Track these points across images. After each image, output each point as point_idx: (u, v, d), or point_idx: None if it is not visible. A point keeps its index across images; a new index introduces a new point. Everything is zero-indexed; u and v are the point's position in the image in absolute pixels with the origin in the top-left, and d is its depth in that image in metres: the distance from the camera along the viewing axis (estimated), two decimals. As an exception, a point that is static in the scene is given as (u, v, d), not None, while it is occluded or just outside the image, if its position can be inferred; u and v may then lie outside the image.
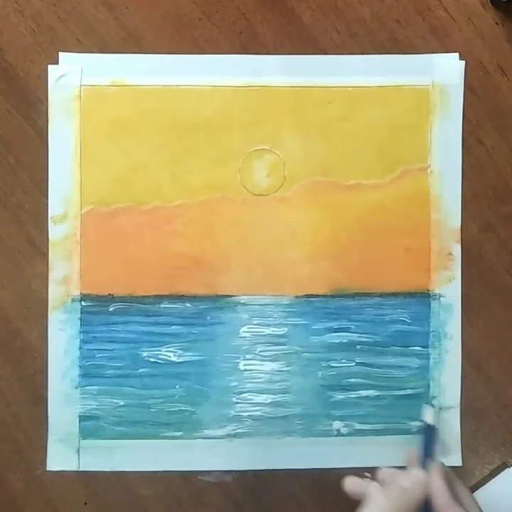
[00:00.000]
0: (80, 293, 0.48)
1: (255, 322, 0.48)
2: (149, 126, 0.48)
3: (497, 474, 0.49)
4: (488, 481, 0.49)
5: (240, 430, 0.48)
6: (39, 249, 0.48)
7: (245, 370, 0.48)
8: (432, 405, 0.46)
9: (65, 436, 0.47)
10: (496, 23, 0.49)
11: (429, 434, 0.43)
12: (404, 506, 0.39)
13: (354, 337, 0.48)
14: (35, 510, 0.48)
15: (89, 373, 0.48)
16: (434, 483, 0.40)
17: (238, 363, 0.48)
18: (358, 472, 0.42)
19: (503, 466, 0.49)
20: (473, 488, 0.48)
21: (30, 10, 0.48)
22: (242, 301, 0.48)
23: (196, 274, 0.48)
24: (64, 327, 0.47)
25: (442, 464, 0.42)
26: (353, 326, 0.48)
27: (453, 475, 0.41)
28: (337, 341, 0.48)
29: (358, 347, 0.48)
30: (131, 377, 0.48)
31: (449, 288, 0.48)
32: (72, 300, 0.48)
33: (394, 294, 0.48)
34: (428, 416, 0.44)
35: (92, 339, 0.48)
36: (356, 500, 0.40)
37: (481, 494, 0.48)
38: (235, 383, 0.48)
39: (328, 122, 0.48)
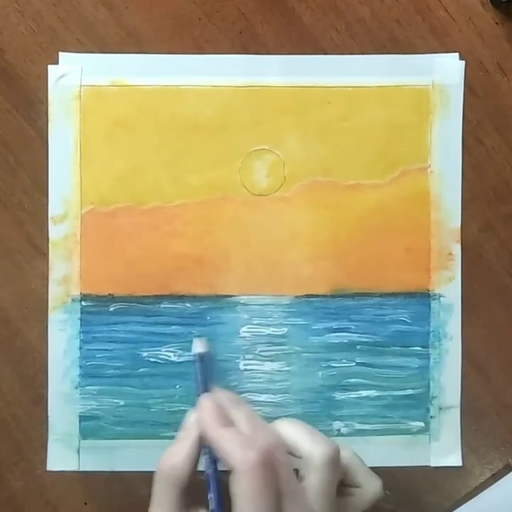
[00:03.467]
0: (80, 293, 0.48)
1: (255, 322, 0.48)
2: (149, 126, 0.48)
3: (500, 477, 0.48)
4: (491, 484, 0.48)
5: (240, 430, 0.48)
6: (39, 249, 0.48)
7: (245, 370, 0.48)
8: (199, 336, 0.43)
9: (65, 436, 0.47)
10: (496, 23, 0.49)
11: (202, 366, 0.41)
12: (185, 449, 0.37)
13: (354, 337, 0.48)
14: (35, 510, 0.48)
15: (89, 373, 0.48)
16: (200, 412, 0.37)
17: (238, 363, 0.48)
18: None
19: (506, 468, 0.49)
20: (477, 491, 0.48)
21: (30, 10, 0.48)
22: (242, 301, 0.48)
23: (196, 274, 0.48)
24: (64, 327, 0.47)
25: (221, 390, 0.39)
26: (353, 326, 0.48)
27: (233, 397, 0.38)
28: (337, 341, 0.48)
29: (358, 347, 0.48)
30: (131, 377, 0.48)
31: (449, 288, 0.48)
32: (72, 300, 0.48)
33: (394, 294, 0.48)
34: (197, 346, 0.42)
35: (92, 339, 0.48)
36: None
37: (484, 497, 0.48)
38: (235, 383, 0.48)
39: (328, 122, 0.48)
